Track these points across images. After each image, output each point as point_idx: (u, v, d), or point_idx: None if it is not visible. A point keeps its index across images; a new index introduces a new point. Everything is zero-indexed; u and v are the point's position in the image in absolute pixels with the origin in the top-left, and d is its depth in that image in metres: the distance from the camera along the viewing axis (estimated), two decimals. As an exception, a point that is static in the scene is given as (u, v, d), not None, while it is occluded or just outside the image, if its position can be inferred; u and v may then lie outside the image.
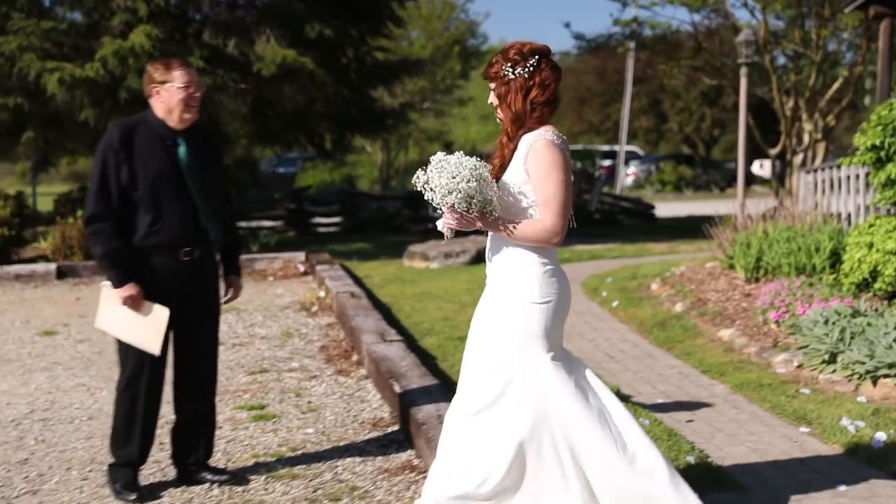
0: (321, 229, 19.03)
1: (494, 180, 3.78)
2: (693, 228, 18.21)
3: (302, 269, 12.69)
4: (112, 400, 4.72)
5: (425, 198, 3.73)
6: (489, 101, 3.97)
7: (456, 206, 3.70)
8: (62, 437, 5.73)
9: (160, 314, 4.56)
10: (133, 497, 4.58)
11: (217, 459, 5.10)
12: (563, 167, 3.77)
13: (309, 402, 6.24)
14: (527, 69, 3.80)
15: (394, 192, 22.60)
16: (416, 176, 3.75)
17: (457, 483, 3.83)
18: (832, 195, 10.86)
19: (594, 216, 17.65)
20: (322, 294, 10.09)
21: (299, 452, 5.25)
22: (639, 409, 5.74)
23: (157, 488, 4.78)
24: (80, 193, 17.51)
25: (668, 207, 24.78)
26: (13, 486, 4.90)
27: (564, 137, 3.85)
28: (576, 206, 16.38)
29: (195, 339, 4.71)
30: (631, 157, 40.50)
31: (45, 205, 22.09)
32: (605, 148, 39.38)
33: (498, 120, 3.91)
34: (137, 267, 4.52)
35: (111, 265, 4.50)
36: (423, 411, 5.17)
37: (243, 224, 17.39)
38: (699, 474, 4.52)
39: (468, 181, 3.67)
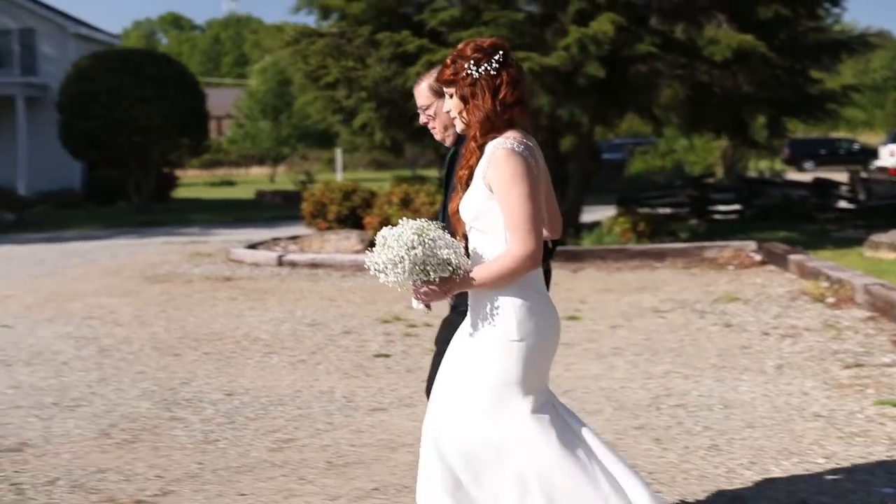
0: (718, 216, 18.66)
1: (456, 235, 3.41)
2: None
3: (758, 257, 12.44)
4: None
5: (386, 282, 3.27)
6: (445, 110, 3.57)
7: (412, 279, 3.28)
8: (711, 424, 5.71)
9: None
10: None
11: None
12: (526, 176, 3.33)
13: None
14: (492, 65, 3.40)
15: (797, 180, 21.80)
16: (365, 261, 3.34)
17: None
18: None
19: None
20: (825, 284, 9.73)
21: None
22: None
23: None
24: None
25: None
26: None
27: (530, 143, 3.40)
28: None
29: None
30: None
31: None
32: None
33: (461, 127, 3.48)
34: None
35: None
36: None
37: (645, 210, 17.23)
38: None
39: (410, 248, 3.23)
